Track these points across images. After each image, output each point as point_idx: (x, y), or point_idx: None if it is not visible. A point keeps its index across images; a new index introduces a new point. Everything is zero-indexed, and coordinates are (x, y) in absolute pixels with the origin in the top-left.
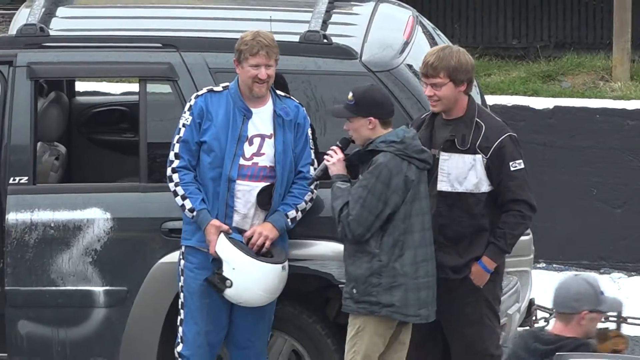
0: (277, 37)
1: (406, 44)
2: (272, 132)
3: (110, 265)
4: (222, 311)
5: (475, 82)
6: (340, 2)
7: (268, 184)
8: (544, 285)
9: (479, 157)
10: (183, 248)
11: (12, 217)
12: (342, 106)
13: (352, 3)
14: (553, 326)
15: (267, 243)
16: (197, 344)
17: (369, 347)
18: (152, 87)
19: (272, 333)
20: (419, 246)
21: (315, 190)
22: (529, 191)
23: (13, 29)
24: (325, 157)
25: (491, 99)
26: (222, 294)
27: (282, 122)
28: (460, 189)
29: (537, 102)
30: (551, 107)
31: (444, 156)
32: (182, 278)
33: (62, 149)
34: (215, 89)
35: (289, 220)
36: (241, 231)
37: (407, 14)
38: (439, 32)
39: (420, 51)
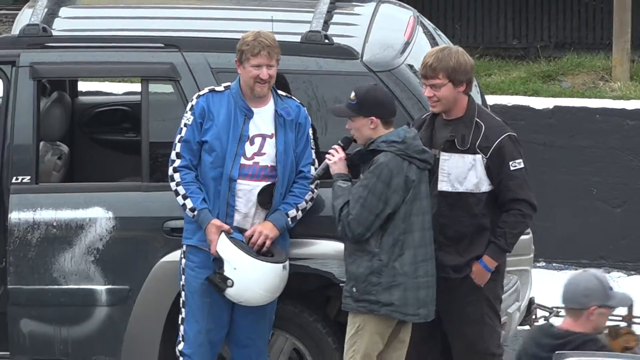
0: (278, 37)
1: (407, 44)
2: (273, 132)
3: (113, 264)
4: (223, 310)
5: (475, 82)
6: (341, 2)
7: (269, 183)
8: (543, 284)
9: (478, 157)
10: (184, 247)
11: (14, 216)
12: (344, 105)
13: (353, 3)
14: (563, 321)
15: (268, 242)
16: (198, 342)
17: (368, 346)
18: (154, 87)
19: (273, 332)
20: (419, 246)
21: (315, 190)
22: (528, 190)
23: (16, 29)
24: (327, 156)
25: (491, 99)
26: (223, 293)
27: (283, 122)
28: (461, 189)
29: (537, 102)
30: (551, 107)
31: (444, 156)
32: (183, 277)
33: (65, 148)
34: (217, 88)
35: (289, 219)
36: (242, 230)
37: (408, 14)
38: (439, 32)
39: (421, 51)
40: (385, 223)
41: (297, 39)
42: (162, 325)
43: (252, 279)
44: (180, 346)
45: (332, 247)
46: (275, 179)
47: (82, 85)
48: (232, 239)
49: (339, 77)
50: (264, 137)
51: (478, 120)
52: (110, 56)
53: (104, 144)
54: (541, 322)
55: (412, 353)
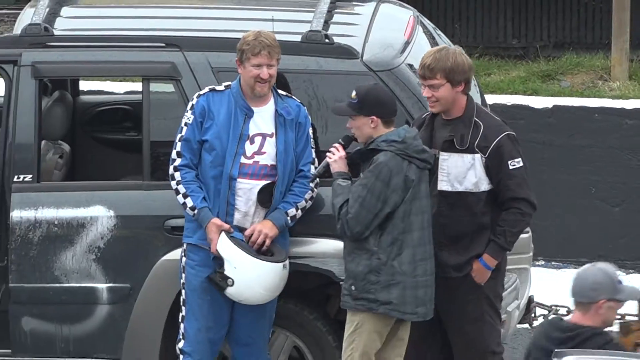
0: (279, 37)
1: (407, 43)
2: (273, 131)
3: (114, 262)
4: (223, 308)
5: (475, 82)
6: (341, 2)
7: (269, 182)
8: (543, 282)
9: (477, 156)
10: (185, 245)
11: (16, 214)
12: (345, 104)
13: (353, 3)
14: (572, 315)
15: (268, 241)
16: (198, 340)
17: (366, 344)
18: (155, 86)
19: (274, 330)
20: (418, 245)
21: (315, 189)
22: (528, 189)
23: (18, 29)
24: (328, 154)
25: (491, 99)
26: (223, 292)
27: (283, 121)
28: (460, 188)
29: (536, 101)
30: (550, 106)
31: (443, 156)
32: (183, 275)
33: (66, 147)
34: (217, 88)
35: (288, 218)
36: (242, 229)
37: (407, 14)
38: (439, 32)
39: (420, 51)
40: (384, 222)
41: (298, 38)
42: (163, 323)
43: (253, 278)
44: (181, 344)
45: (332, 245)
46: (275, 178)
47: (84, 85)
48: (232, 238)
49: (339, 76)
50: (264, 136)
51: (477, 119)
52: (112, 55)
53: (105, 142)
54: (540, 320)
55: (411, 352)
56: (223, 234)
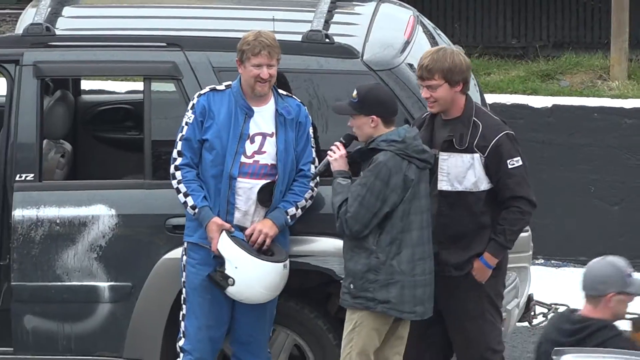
0: (280, 37)
1: (407, 43)
2: (273, 130)
3: (115, 261)
4: (224, 307)
5: (475, 81)
6: (342, 2)
7: (269, 181)
8: (542, 281)
9: (477, 156)
10: (185, 244)
11: (18, 213)
12: (346, 103)
13: (353, 3)
14: (583, 308)
15: (268, 240)
16: (198, 338)
17: (365, 343)
18: (156, 86)
19: (275, 328)
20: (417, 244)
21: (315, 188)
22: (527, 187)
23: (19, 28)
24: (329, 152)
25: (491, 98)
26: (224, 291)
27: (283, 121)
28: (460, 188)
29: (536, 100)
30: (550, 105)
31: (443, 156)
32: (184, 274)
33: (68, 146)
34: (218, 87)
35: (288, 217)
36: (242, 228)
37: (407, 13)
38: (439, 31)
39: (420, 50)
40: (384, 221)
41: (299, 38)
42: (164, 322)
43: (253, 278)
44: (181, 342)
45: (332, 244)
46: (275, 178)
47: (85, 84)
48: (233, 237)
49: (340, 75)
50: (264, 135)
51: (475, 119)
52: (113, 55)
53: (106, 142)
54: (540, 318)
55: (411, 351)
56: (224, 233)
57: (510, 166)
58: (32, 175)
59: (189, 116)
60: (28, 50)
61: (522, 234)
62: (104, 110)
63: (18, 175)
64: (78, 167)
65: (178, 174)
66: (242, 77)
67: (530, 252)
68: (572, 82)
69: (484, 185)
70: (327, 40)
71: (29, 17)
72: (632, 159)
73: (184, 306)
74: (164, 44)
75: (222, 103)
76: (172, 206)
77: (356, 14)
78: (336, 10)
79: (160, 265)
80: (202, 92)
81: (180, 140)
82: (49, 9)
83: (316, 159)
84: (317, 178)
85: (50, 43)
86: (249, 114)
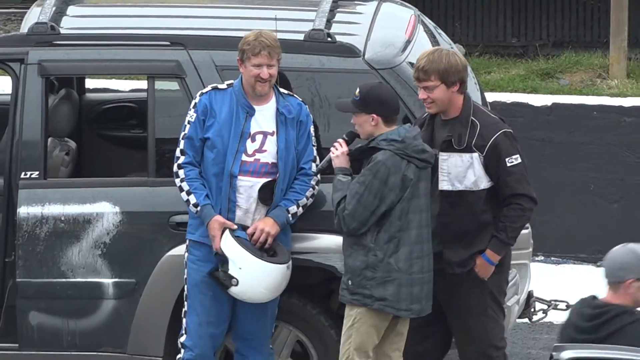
0: (282, 36)
1: (408, 42)
2: (274, 129)
3: (119, 257)
4: (225, 303)
5: (475, 80)
6: (343, 1)
7: (269, 179)
8: (542, 277)
9: (475, 155)
10: (187, 241)
11: (23, 210)
12: (349, 101)
13: (355, 2)
14: (605, 294)
15: (270, 239)
16: (199, 334)
17: (364, 339)
18: (160, 84)
19: (277, 324)
20: (415, 243)
21: (316, 186)
22: (527, 184)
23: (25, 27)
24: (331, 149)
25: (491, 96)
26: (226, 290)
27: (284, 120)
28: (460, 187)
29: (535, 99)
30: (549, 104)
31: (442, 156)
32: (185, 271)
33: (73, 144)
34: (220, 86)
35: (289, 215)
36: (243, 227)
37: (409, 13)
38: (440, 30)
39: (421, 49)
40: (382, 219)
41: (300, 37)
42: (168, 318)
43: (257, 279)
44: (182, 338)
45: (334, 241)
46: (276, 176)
47: (90, 83)
48: (236, 237)
49: (341, 74)
50: (265, 134)
51: (473, 118)
52: (117, 54)
53: (111, 140)
54: (540, 314)
55: (410, 350)
56: (227, 232)
57: (509, 164)
58: (37, 172)
59: (191, 115)
60: (33, 49)
61: (522, 231)
62: (108, 108)
63: (23, 173)
64: (82, 165)
65: (181, 173)
66: (243, 77)
67: (530, 249)
68: (572, 80)
69: (484, 183)
70: (329, 39)
71: (33, 16)
72: (632, 157)
73: (185, 303)
74: (168, 43)
75: (223, 102)
76: (176, 203)
77: (358, 13)
78: (338, 10)
79: (164, 262)
80: (204, 90)
81: (182, 139)
82: (54, 8)
83: (317, 158)
84: (318, 176)
85: (55, 42)
86: (250, 112)
